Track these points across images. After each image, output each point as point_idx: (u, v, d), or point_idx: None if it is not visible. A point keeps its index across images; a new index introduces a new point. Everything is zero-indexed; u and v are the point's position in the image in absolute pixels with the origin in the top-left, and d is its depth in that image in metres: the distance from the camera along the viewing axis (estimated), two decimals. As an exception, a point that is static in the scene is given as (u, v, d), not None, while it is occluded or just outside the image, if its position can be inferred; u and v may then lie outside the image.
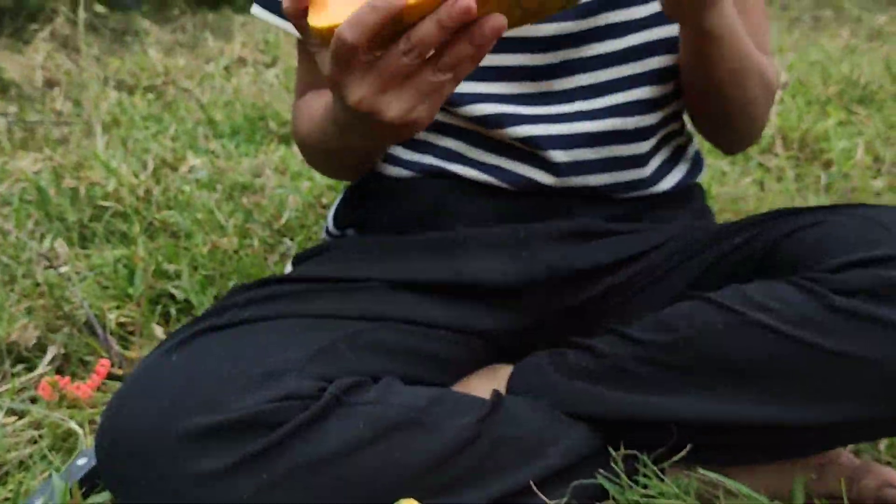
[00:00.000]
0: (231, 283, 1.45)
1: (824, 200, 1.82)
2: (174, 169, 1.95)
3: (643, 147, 1.06)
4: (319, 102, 0.99)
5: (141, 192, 1.71)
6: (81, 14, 2.53)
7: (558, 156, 1.02)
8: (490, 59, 1.00)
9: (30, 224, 1.62)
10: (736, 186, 1.90)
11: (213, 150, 2.12)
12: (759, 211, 1.76)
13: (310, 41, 0.71)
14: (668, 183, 1.10)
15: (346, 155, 1.00)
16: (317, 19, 0.66)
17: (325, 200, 1.82)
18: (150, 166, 1.86)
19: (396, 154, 1.10)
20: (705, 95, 1.02)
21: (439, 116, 1.05)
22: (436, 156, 1.08)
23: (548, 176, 1.03)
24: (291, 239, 1.65)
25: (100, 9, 3.66)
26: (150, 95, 2.67)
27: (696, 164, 1.16)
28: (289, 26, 1.02)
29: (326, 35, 0.65)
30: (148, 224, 1.59)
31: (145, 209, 1.64)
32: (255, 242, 1.61)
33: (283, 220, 1.68)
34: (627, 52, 1.03)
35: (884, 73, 2.69)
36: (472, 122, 1.03)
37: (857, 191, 1.86)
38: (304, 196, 1.79)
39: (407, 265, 1.03)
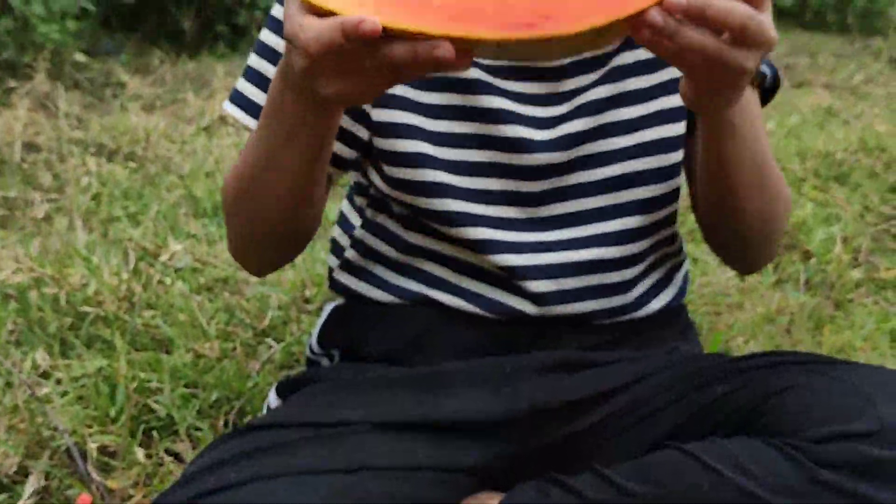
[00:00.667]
0: (213, 397, 1.44)
1: (805, 297, 1.84)
2: (156, 257, 1.94)
3: (628, 274, 1.07)
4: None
5: (123, 291, 1.70)
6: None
7: (541, 286, 1.03)
8: (485, 183, 1.02)
9: (9, 325, 1.60)
10: (716, 276, 1.92)
11: (195, 233, 2.11)
12: (740, 307, 1.79)
13: None
14: (653, 307, 1.11)
15: (274, 178, 0.91)
16: None
17: (308, 293, 1.82)
18: (132, 259, 1.85)
19: (383, 277, 1.11)
20: (724, 209, 1.01)
21: (427, 242, 1.05)
22: (420, 282, 1.09)
23: (530, 305, 1.04)
24: (276, 340, 1.65)
25: (80, 57, 3.63)
26: (132, 163, 2.65)
27: (683, 286, 1.17)
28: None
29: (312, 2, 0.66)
30: (130, 329, 1.58)
31: (127, 313, 1.63)
32: (238, 346, 1.61)
33: (266, 322, 1.68)
34: (612, 181, 1.04)
35: (858, 145, 2.73)
36: (461, 247, 1.04)
37: (837, 286, 1.89)
38: (286, 292, 1.78)
39: (392, 404, 1.03)
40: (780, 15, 6.53)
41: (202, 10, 4.33)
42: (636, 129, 1.03)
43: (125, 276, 1.76)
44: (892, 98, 3.95)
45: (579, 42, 0.66)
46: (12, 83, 3.20)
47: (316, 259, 1.89)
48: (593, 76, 1.02)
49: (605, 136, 1.03)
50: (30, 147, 2.74)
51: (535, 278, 1.03)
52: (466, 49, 0.65)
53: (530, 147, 1.02)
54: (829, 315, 1.76)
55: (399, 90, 1.00)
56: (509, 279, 1.04)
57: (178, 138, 2.88)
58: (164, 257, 1.95)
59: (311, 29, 0.66)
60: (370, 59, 0.67)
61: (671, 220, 1.10)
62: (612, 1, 0.64)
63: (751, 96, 0.94)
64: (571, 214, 1.04)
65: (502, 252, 1.03)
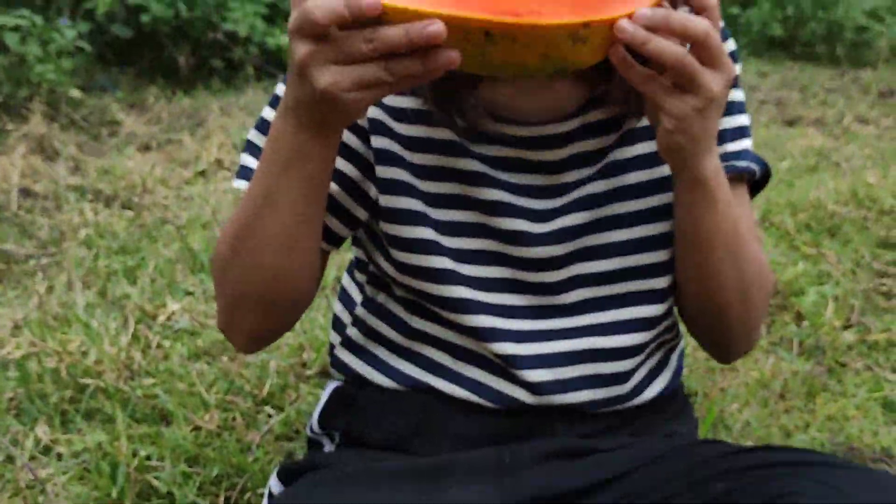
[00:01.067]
0: (214, 473, 1.45)
1: (799, 361, 1.87)
2: (154, 318, 1.95)
3: (626, 365, 1.09)
4: None
5: (122, 359, 1.71)
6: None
7: (538, 375, 1.04)
8: (488, 271, 1.03)
9: (9, 393, 1.61)
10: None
11: (193, 289, 2.13)
12: (733, 370, 1.81)
13: None
14: (649, 394, 1.13)
15: (269, 217, 0.91)
16: None
17: (306, 357, 1.83)
18: (131, 323, 1.86)
19: (384, 359, 1.12)
20: (701, 282, 1.02)
21: (429, 327, 1.07)
22: (421, 367, 1.10)
23: (527, 394, 1.06)
24: (275, 407, 1.66)
25: (75, 93, 3.64)
26: (128, 212, 2.66)
27: (679, 367, 1.19)
28: None
29: None
30: (130, 401, 1.59)
31: (127, 383, 1.64)
32: (238, 416, 1.62)
33: (265, 390, 1.69)
34: (609, 274, 1.06)
35: (849, 195, 2.76)
36: (462, 334, 1.06)
37: (829, 349, 1.92)
38: (285, 357, 1.80)
39: (394, 498, 1.04)
40: (771, 46, 6.60)
41: (197, 46, 4.35)
42: (634, 224, 1.05)
43: (124, 341, 1.77)
44: (882, 137, 4.00)
45: (558, 47, 0.72)
46: (9, 125, 3.21)
47: (314, 323, 1.91)
48: (590, 170, 1.04)
49: (602, 230, 1.05)
50: (27, 193, 2.75)
51: (533, 367, 1.05)
52: (455, 44, 0.70)
53: (529, 240, 1.03)
54: (822, 383, 1.78)
55: (405, 177, 1.02)
56: (507, 368, 1.06)
57: (175, 184, 2.89)
58: (162, 318, 1.96)
59: (319, 6, 0.71)
60: (365, 42, 0.72)
61: (669, 311, 1.12)
62: (590, 6, 0.72)
63: (726, 183, 0.96)
64: (570, 305, 1.06)
65: (503, 340, 1.05)
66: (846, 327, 2.03)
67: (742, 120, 1.10)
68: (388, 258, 1.06)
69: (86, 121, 3.53)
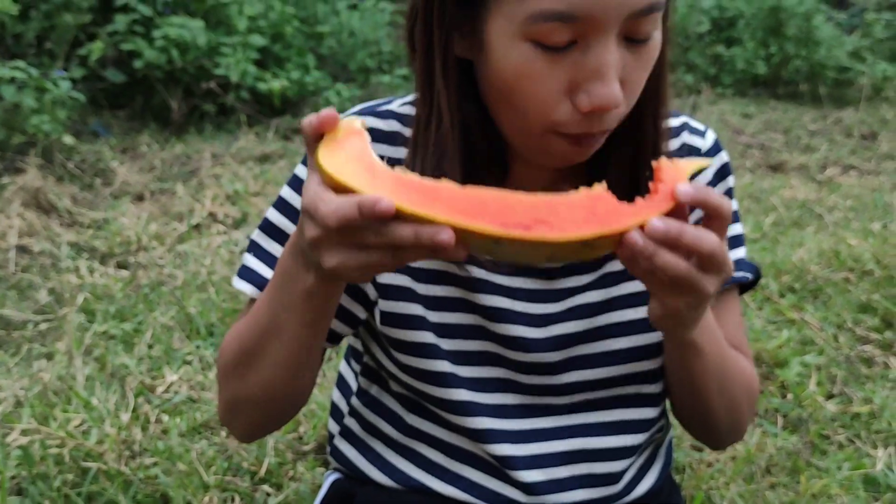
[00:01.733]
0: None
1: (784, 434, 1.91)
2: (152, 391, 1.98)
3: (618, 466, 1.12)
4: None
5: (123, 437, 1.74)
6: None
7: (531, 475, 1.08)
8: (485, 372, 1.06)
9: (10, 471, 1.64)
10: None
11: (190, 357, 2.16)
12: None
13: (310, 156, 0.78)
14: (641, 489, 1.16)
15: (275, 343, 0.96)
16: (327, 157, 0.74)
17: (302, 430, 1.87)
18: (130, 398, 1.89)
19: (382, 455, 1.15)
20: (690, 403, 1.08)
21: (426, 426, 1.10)
22: (418, 466, 1.13)
23: (522, 495, 1.09)
24: (273, 485, 1.69)
25: (68, 140, 3.67)
26: (124, 272, 2.69)
27: (668, 458, 1.23)
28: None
29: (326, 172, 0.73)
30: (132, 484, 1.62)
31: (127, 463, 1.67)
32: (237, 498, 1.65)
33: (263, 469, 1.72)
34: (605, 381, 1.09)
35: (832, 255, 2.82)
36: (459, 434, 1.09)
37: (812, 422, 1.96)
38: (282, 433, 1.83)
39: None
40: (755, 85, 6.71)
41: (189, 91, 4.39)
42: (628, 334, 1.09)
43: (125, 418, 1.80)
44: (864, 185, 4.08)
45: (566, 251, 0.74)
46: (4, 177, 3.24)
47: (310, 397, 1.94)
48: (586, 278, 1.08)
49: (598, 338, 1.08)
50: (23, 251, 2.78)
51: (528, 468, 1.08)
52: (465, 241, 0.72)
53: (526, 346, 1.07)
54: (805, 458, 1.82)
55: (404, 282, 1.05)
56: (502, 468, 1.09)
57: (169, 241, 2.92)
58: (160, 389, 1.99)
59: (332, 203, 0.72)
60: (375, 235, 0.73)
61: (663, 412, 1.16)
62: (601, 218, 0.73)
63: (715, 334, 1.00)
64: (564, 405, 1.10)
65: (499, 442, 1.08)
66: (829, 397, 2.09)
67: (737, 229, 1.15)
68: (389, 357, 1.09)
69: (79, 169, 3.56)
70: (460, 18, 0.88)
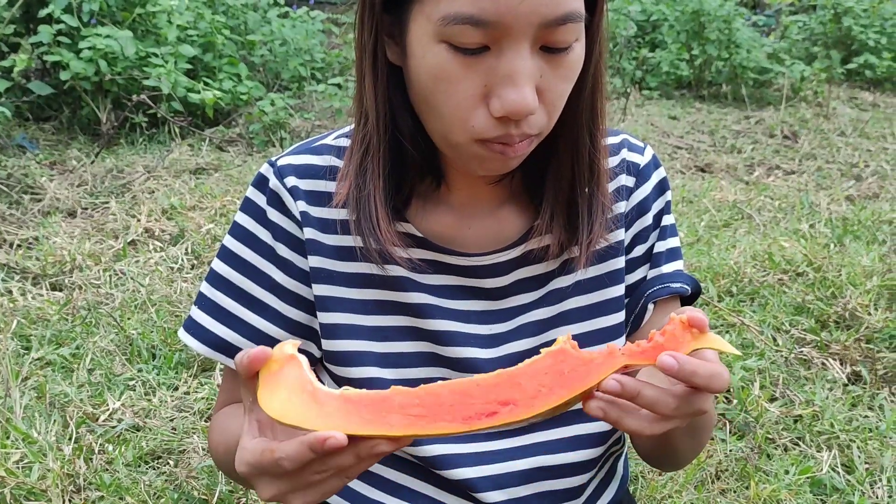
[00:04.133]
0: None
1: (732, 440, 1.96)
2: (95, 420, 1.93)
3: (578, 480, 1.13)
4: (233, 424, 1.03)
5: (66, 471, 1.68)
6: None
7: (494, 496, 1.08)
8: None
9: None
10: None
11: (133, 383, 2.10)
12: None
13: (245, 393, 0.77)
14: (603, 503, 1.18)
15: None
16: (269, 400, 0.72)
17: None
18: (72, 428, 1.83)
19: (350, 485, 1.14)
20: (658, 453, 1.08)
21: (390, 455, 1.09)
22: (378, 487, 1.12)
23: None
24: (226, 516, 1.66)
25: (-9, 155, 3.54)
26: (57, 293, 2.61)
27: (625, 474, 1.24)
28: (216, 355, 1.05)
29: (273, 417, 0.72)
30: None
31: (73, 500, 1.62)
32: (190, 528, 1.62)
33: (215, 498, 1.69)
34: None
35: (765, 257, 2.90)
36: (421, 462, 1.08)
37: (758, 426, 2.02)
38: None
39: None
40: (679, 87, 6.86)
41: (119, 103, 4.28)
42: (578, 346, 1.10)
43: (67, 451, 1.74)
44: (789, 186, 4.20)
45: (540, 417, 0.73)
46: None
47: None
48: (532, 296, 1.08)
49: None
50: (-52, 273, 2.67)
51: (489, 489, 1.08)
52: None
53: (478, 367, 1.07)
54: (753, 463, 1.87)
55: (348, 319, 1.03)
56: (465, 490, 1.09)
57: (105, 258, 2.84)
58: (103, 418, 1.94)
59: (283, 450, 0.73)
60: (319, 474, 0.74)
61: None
62: (567, 379, 0.72)
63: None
64: (519, 425, 1.10)
65: (458, 466, 1.08)
66: (772, 400, 2.14)
67: (674, 242, 1.17)
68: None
69: (6, 185, 3.43)
70: (389, 23, 0.88)
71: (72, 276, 2.70)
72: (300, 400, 0.72)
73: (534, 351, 1.08)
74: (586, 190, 0.99)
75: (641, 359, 0.73)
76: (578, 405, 0.77)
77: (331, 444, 0.70)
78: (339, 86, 4.69)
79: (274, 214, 1.03)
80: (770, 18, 8.80)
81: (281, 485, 0.76)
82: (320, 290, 1.02)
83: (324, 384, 1.10)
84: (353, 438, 0.70)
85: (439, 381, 0.74)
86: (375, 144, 0.94)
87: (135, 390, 2.07)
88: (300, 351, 0.80)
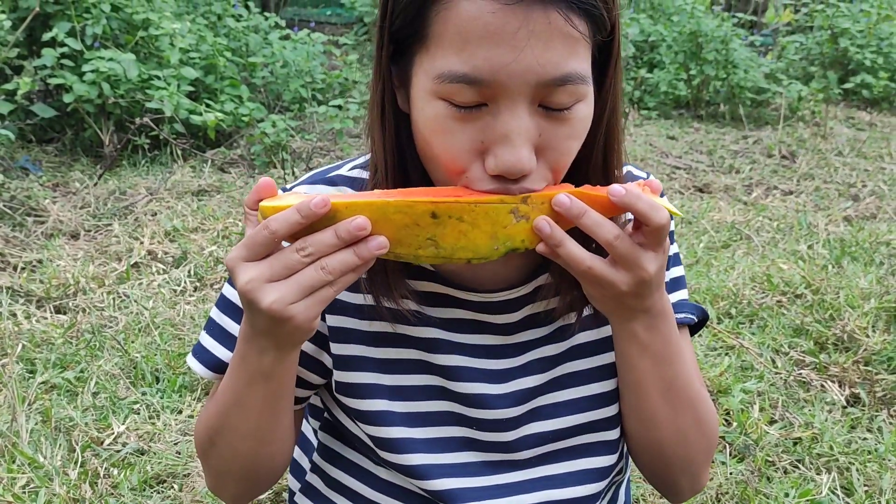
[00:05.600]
0: None
1: (732, 462, 1.97)
2: (100, 444, 1.94)
3: None
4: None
5: (72, 496, 1.69)
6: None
7: None
8: (443, 432, 1.07)
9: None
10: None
11: (137, 406, 2.12)
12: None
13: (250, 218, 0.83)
14: None
15: (239, 418, 0.98)
16: (268, 204, 0.79)
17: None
18: (77, 452, 1.85)
19: None
20: (637, 419, 1.07)
21: (398, 479, 1.09)
22: None
23: None
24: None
25: (-5, 176, 3.56)
26: (61, 316, 2.63)
27: (627, 498, 1.25)
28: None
29: (269, 214, 0.79)
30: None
31: (81, 524, 1.63)
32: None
33: (220, 522, 1.70)
34: (563, 431, 1.10)
35: (764, 279, 2.92)
36: (430, 495, 1.09)
37: (758, 448, 2.03)
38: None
39: None
40: (677, 107, 6.90)
41: (122, 125, 4.31)
42: (585, 382, 1.11)
43: (73, 475, 1.76)
44: (787, 206, 4.23)
45: (502, 228, 0.81)
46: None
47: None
48: (542, 332, 1.10)
49: (555, 389, 1.09)
50: (-48, 297, 2.69)
51: None
52: (405, 232, 0.78)
53: (486, 402, 1.07)
54: (753, 488, 1.88)
55: (359, 350, 1.05)
56: None
57: (108, 281, 2.86)
58: (108, 441, 1.95)
59: (275, 219, 0.78)
60: (299, 252, 0.78)
61: (621, 457, 1.18)
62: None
63: (670, 329, 1.00)
64: (526, 460, 1.11)
65: (464, 501, 1.08)
66: (772, 422, 2.16)
67: (678, 272, 1.18)
68: (350, 418, 1.09)
69: (10, 208, 3.45)
70: (396, 73, 0.91)
71: (76, 299, 2.72)
72: (294, 200, 0.78)
73: (541, 387, 1.09)
74: (594, 245, 0.99)
75: (591, 190, 0.84)
76: None
77: (316, 202, 0.77)
78: (339, 107, 4.73)
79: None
80: (767, 38, 8.86)
81: (261, 267, 0.80)
82: (334, 321, 1.04)
83: (332, 412, 1.12)
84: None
85: (417, 190, 0.82)
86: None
87: (139, 414, 2.09)
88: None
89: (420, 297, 1.04)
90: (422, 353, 1.05)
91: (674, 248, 1.18)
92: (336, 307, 1.04)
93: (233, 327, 1.06)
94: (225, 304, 1.08)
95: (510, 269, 1.08)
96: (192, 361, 1.09)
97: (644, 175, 1.15)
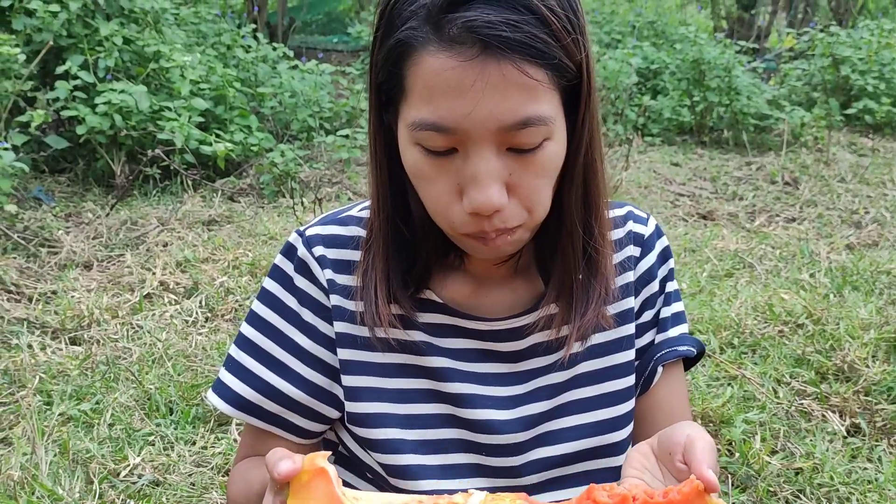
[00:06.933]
0: None
1: (734, 493, 2.01)
2: (116, 475, 1.99)
3: None
4: (255, 474, 1.09)
5: (91, 527, 1.74)
6: None
7: None
8: (452, 458, 1.11)
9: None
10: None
11: (152, 437, 2.16)
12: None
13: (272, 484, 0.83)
14: None
15: None
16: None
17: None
18: (95, 484, 1.90)
19: None
20: None
21: None
22: None
23: None
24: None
25: (11, 208, 3.62)
26: (76, 348, 2.68)
27: None
28: (241, 415, 1.12)
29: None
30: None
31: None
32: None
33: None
34: (567, 457, 1.16)
35: (765, 308, 2.97)
36: None
37: (759, 479, 2.07)
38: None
39: None
40: (681, 133, 6.97)
41: (133, 155, 4.39)
42: (591, 409, 1.16)
43: (92, 507, 1.81)
44: (790, 234, 4.28)
45: None
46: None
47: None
48: (549, 359, 1.14)
49: (562, 415, 1.14)
50: (-30, 329, 2.75)
51: None
52: None
53: (495, 428, 1.12)
54: (756, 519, 1.93)
55: (370, 382, 1.10)
56: None
57: (122, 312, 2.91)
58: (124, 473, 2.00)
59: None
60: None
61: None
62: None
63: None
64: (534, 485, 1.16)
65: None
66: (773, 453, 2.20)
67: (679, 307, 1.23)
68: (362, 448, 1.14)
69: (24, 239, 3.52)
70: (390, 120, 0.97)
71: (90, 331, 2.77)
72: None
73: (549, 413, 1.14)
74: (580, 276, 1.06)
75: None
76: None
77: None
78: (347, 136, 4.80)
79: (301, 281, 1.10)
80: (770, 63, 8.94)
81: None
82: (345, 354, 1.09)
83: (345, 443, 1.16)
84: None
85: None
86: (377, 227, 1.03)
87: (154, 445, 2.14)
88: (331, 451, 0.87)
89: (428, 328, 1.09)
90: (432, 382, 1.10)
91: (673, 286, 1.23)
92: (346, 340, 1.09)
93: (251, 364, 1.11)
94: (244, 342, 1.14)
95: (515, 296, 1.13)
96: (213, 398, 1.14)
97: (644, 215, 1.20)
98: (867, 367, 2.52)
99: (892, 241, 4.16)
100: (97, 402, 2.32)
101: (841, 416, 2.36)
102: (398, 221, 1.04)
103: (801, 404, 2.41)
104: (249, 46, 5.59)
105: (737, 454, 2.16)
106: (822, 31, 7.59)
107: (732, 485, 2.06)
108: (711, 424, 2.28)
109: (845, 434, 2.29)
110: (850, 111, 7.15)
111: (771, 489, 2.05)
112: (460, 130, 0.87)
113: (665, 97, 6.97)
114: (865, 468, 2.13)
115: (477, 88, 0.85)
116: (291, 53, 5.91)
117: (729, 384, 2.50)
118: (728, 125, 6.78)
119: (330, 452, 0.94)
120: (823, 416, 2.36)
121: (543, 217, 0.97)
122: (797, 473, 2.11)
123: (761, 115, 6.78)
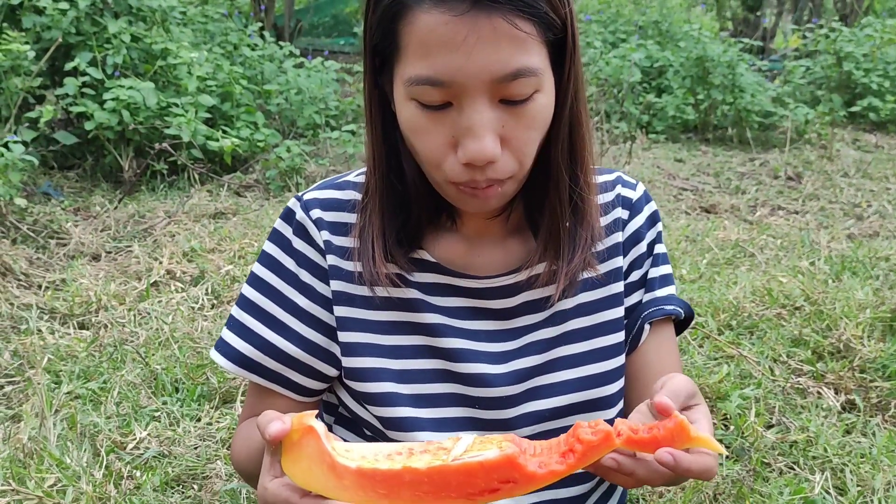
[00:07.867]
0: None
1: (728, 463, 2.04)
2: (123, 448, 2.03)
3: (581, 490, 1.21)
4: (257, 433, 1.10)
5: (97, 494, 1.79)
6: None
7: None
8: (446, 412, 1.15)
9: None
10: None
11: (158, 414, 2.21)
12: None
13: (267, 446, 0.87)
14: None
15: None
16: (291, 466, 0.83)
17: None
18: (102, 455, 1.94)
19: None
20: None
21: None
22: None
23: None
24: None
25: (21, 202, 3.68)
26: (85, 331, 2.73)
27: (624, 495, 1.33)
28: (242, 372, 1.17)
29: (295, 482, 0.82)
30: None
31: (106, 520, 1.72)
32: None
33: (238, 522, 1.79)
34: (558, 410, 1.19)
35: (764, 292, 3.00)
36: None
37: (754, 450, 2.10)
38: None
39: None
40: (685, 130, 7.00)
41: (141, 151, 4.45)
42: (580, 364, 1.20)
43: (98, 476, 1.85)
44: (791, 225, 4.30)
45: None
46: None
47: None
48: (539, 317, 1.18)
49: (552, 370, 1.18)
50: (-19, 315, 2.80)
51: None
52: None
53: (488, 381, 1.16)
54: (749, 487, 1.95)
55: (366, 338, 1.14)
56: None
57: (129, 299, 2.97)
58: (131, 446, 2.04)
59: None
60: None
61: None
62: (565, 460, 0.83)
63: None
64: (524, 437, 1.20)
65: None
66: (769, 427, 2.23)
67: (666, 269, 1.27)
68: (360, 405, 1.19)
69: (33, 231, 3.58)
70: (385, 82, 1.02)
71: (98, 316, 2.82)
72: (320, 471, 0.81)
73: (539, 368, 1.18)
74: (567, 224, 1.10)
75: (635, 447, 0.84)
76: None
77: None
78: (352, 132, 4.85)
79: (298, 244, 1.15)
80: (776, 63, 8.97)
81: None
82: (341, 311, 1.13)
83: (346, 403, 1.20)
84: None
85: (448, 470, 0.82)
86: (373, 186, 1.08)
87: (160, 421, 2.18)
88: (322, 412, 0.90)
89: (422, 287, 1.14)
90: (427, 338, 1.14)
91: (661, 248, 1.27)
92: (342, 298, 1.13)
93: (252, 323, 1.16)
94: (245, 303, 1.19)
95: (507, 255, 1.17)
96: (215, 356, 1.19)
97: (633, 181, 1.24)
98: (862, 345, 2.55)
99: (892, 231, 4.18)
100: (104, 382, 2.37)
101: (836, 393, 2.39)
102: (392, 178, 1.09)
103: (798, 382, 2.44)
104: (256, 45, 5.66)
105: (732, 427, 2.19)
106: (823, 27, 7.61)
107: (727, 456, 2.09)
108: (707, 400, 2.31)
109: (840, 410, 2.32)
110: (854, 109, 7.17)
111: (765, 460, 2.07)
112: (455, 83, 0.92)
113: (669, 95, 7.00)
114: (859, 441, 2.15)
115: (469, 42, 0.90)
116: (298, 52, 5.98)
117: (726, 363, 2.53)
118: (732, 123, 6.81)
119: (317, 411, 0.98)
120: (819, 392, 2.39)
121: (528, 168, 1.02)
122: (791, 446, 2.14)
123: (765, 112, 6.80)
